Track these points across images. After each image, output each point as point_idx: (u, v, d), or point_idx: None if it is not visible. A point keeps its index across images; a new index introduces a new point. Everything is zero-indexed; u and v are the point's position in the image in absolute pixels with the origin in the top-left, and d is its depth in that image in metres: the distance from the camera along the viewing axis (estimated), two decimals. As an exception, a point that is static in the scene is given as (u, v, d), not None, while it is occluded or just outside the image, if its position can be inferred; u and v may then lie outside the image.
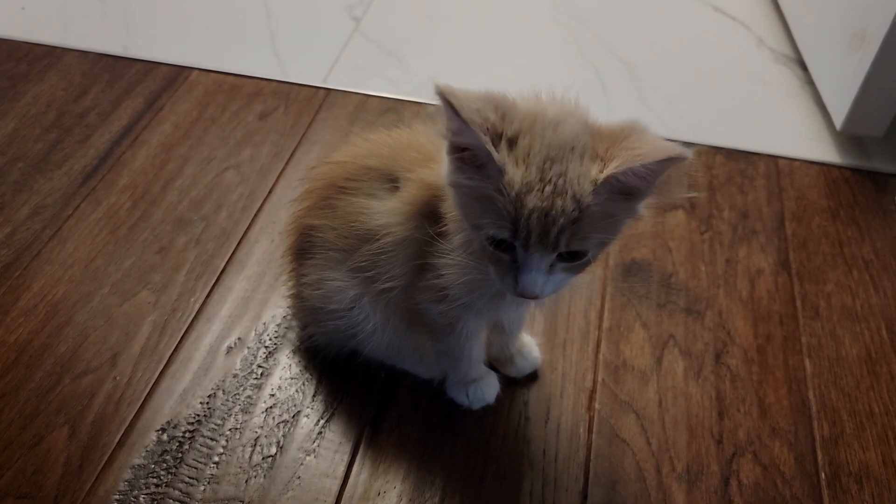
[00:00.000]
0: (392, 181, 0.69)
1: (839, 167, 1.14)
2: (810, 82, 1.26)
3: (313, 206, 0.75)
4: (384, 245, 0.68)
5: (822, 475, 0.78)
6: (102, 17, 1.38)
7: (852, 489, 0.77)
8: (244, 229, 1.01)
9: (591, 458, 0.79)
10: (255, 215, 1.03)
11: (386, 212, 0.68)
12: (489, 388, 0.82)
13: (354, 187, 0.70)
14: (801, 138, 1.19)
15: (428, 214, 0.65)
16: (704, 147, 1.16)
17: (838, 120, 1.13)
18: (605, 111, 1.22)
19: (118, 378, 0.84)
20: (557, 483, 0.77)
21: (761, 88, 1.28)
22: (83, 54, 1.30)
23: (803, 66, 1.30)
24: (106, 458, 0.77)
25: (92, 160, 1.10)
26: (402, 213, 0.67)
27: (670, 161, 0.55)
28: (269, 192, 1.06)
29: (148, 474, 0.76)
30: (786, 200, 1.08)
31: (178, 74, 1.26)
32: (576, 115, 0.59)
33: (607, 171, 0.55)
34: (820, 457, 0.79)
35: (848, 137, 1.17)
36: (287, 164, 1.11)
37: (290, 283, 0.83)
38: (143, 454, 0.77)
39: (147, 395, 0.82)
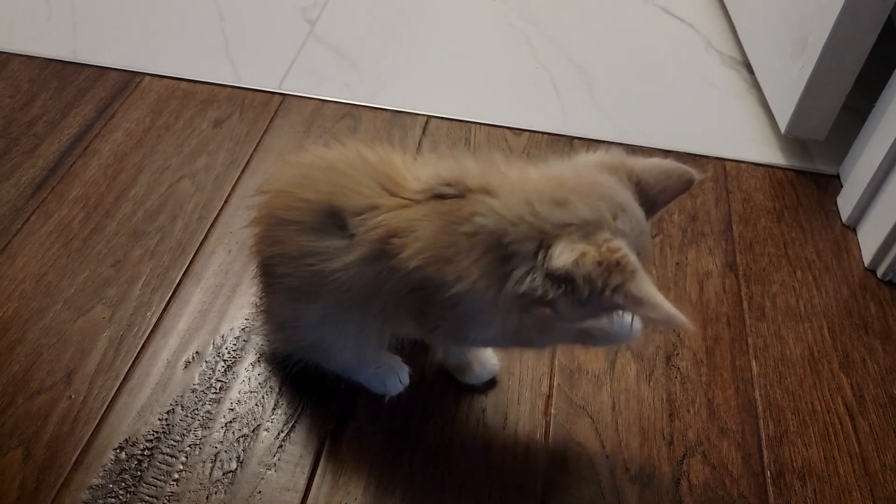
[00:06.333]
0: (336, 216, 0.66)
1: (784, 169, 1.17)
2: (756, 85, 1.30)
3: (263, 235, 0.74)
4: (354, 296, 0.67)
5: (768, 473, 0.81)
6: (49, 20, 1.35)
7: (796, 486, 0.80)
8: (200, 240, 1.00)
9: (548, 462, 0.81)
10: (212, 225, 1.02)
11: (343, 264, 0.66)
12: (402, 374, 0.84)
13: (298, 220, 0.68)
14: (748, 141, 1.22)
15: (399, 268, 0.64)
16: (655, 151, 1.19)
17: (783, 123, 1.17)
18: (559, 114, 1.25)
19: (73, 396, 0.83)
20: (515, 489, 0.79)
21: (709, 91, 1.31)
22: (30, 59, 1.27)
23: (750, 68, 1.33)
24: (62, 479, 0.76)
25: (41, 171, 1.08)
26: (362, 267, 0.66)
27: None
28: (225, 201, 1.06)
29: (106, 494, 0.76)
30: (733, 203, 1.11)
31: (129, 80, 1.24)
32: (620, 186, 0.64)
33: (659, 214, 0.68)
34: (766, 455, 0.82)
35: (792, 140, 1.21)
36: (243, 172, 1.10)
37: (261, 300, 0.82)
38: (101, 474, 0.77)
39: (104, 412, 0.82)
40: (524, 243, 0.59)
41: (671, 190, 0.66)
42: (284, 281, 0.71)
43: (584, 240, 0.58)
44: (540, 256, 0.59)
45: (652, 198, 0.65)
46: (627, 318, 0.67)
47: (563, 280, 0.58)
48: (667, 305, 0.56)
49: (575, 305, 0.59)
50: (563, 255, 0.57)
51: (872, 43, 1.04)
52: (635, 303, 0.56)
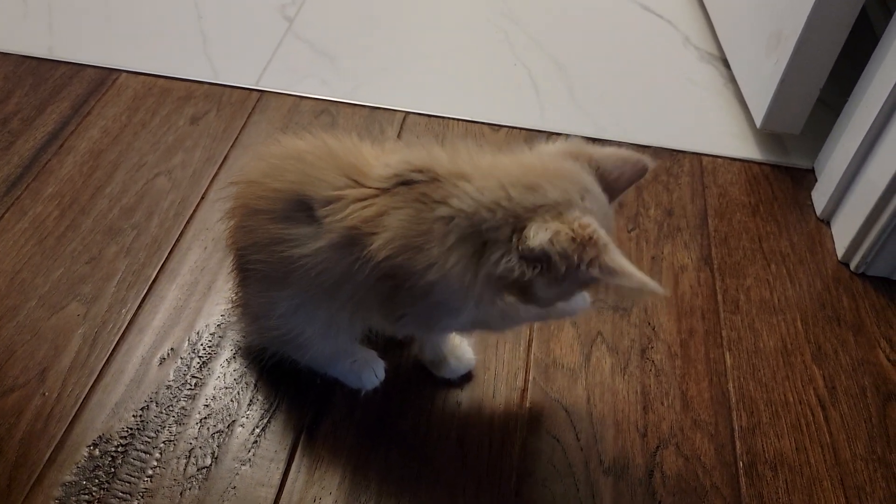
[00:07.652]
0: (304, 204, 0.67)
1: (759, 163, 1.18)
2: (733, 80, 1.31)
3: (237, 226, 0.74)
4: (323, 282, 0.68)
5: (740, 464, 0.82)
6: (25, 17, 1.34)
7: (767, 476, 0.81)
8: (176, 237, 1.00)
9: (523, 455, 0.81)
10: (188, 222, 1.02)
11: (312, 250, 0.67)
12: (377, 368, 0.84)
13: (269, 209, 0.69)
14: (725, 135, 1.23)
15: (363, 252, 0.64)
16: (632, 146, 1.19)
17: (758, 117, 1.18)
18: (537, 109, 1.25)
19: (47, 394, 0.83)
20: (490, 482, 0.79)
21: (687, 86, 1.32)
22: (5, 56, 1.26)
23: (727, 64, 1.34)
24: (35, 476, 0.76)
25: (16, 168, 1.07)
26: (331, 254, 0.66)
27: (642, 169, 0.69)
28: (202, 198, 1.05)
29: (80, 491, 0.75)
30: (709, 197, 1.12)
31: (105, 77, 1.23)
32: (583, 171, 0.66)
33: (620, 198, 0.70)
34: (738, 446, 0.83)
35: (768, 134, 1.22)
36: (220, 168, 1.10)
37: (237, 293, 0.82)
38: (75, 471, 0.77)
39: (78, 409, 0.82)
40: (501, 229, 0.61)
41: (627, 176, 0.68)
42: (258, 269, 0.72)
43: (556, 219, 0.60)
44: (514, 239, 0.60)
45: (610, 184, 0.67)
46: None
47: (538, 259, 0.60)
48: (639, 274, 0.59)
49: (551, 283, 0.61)
50: (538, 235, 0.59)
51: (846, 37, 1.05)
52: (610, 274, 0.59)
